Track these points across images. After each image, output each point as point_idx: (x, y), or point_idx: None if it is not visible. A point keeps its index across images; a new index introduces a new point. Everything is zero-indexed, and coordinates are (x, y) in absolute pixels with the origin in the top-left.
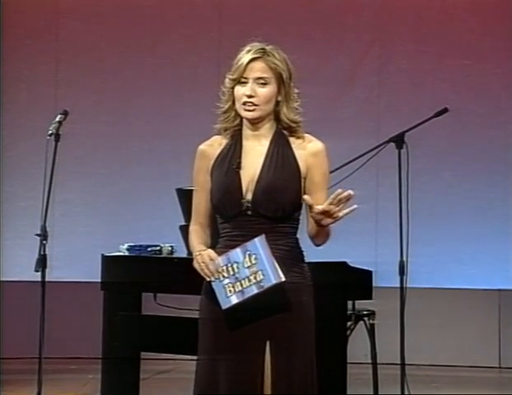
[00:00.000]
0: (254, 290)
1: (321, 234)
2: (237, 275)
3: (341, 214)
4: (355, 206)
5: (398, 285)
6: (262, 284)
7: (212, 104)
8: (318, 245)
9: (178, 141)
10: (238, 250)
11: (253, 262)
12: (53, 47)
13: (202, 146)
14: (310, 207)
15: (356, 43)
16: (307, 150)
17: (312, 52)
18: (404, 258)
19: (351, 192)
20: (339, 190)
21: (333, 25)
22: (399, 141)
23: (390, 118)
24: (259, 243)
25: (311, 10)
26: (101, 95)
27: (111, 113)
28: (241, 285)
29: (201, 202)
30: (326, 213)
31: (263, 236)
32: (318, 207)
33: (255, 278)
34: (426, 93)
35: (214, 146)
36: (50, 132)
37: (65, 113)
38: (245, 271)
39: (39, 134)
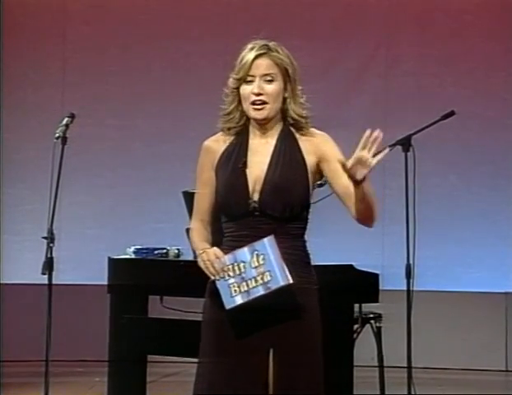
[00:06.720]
0: (261, 291)
1: (364, 204)
2: (243, 275)
3: (374, 161)
4: (386, 149)
5: (405, 288)
6: (269, 285)
7: (219, 107)
8: (368, 224)
9: (184, 145)
10: (245, 249)
11: (261, 262)
12: (59, 50)
13: (207, 142)
14: (344, 167)
15: (362, 46)
16: (314, 142)
17: (318, 55)
18: (411, 261)
19: (379, 132)
20: (367, 131)
21: (339, 29)
22: (406, 144)
23: (397, 121)
24: (268, 244)
25: (317, 13)
26: (108, 98)
27: (118, 117)
28: (247, 285)
29: (204, 199)
30: (360, 162)
31: (272, 236)
32: (352, 159)
33: (262, 279)
34: (433, 96)
35: (219, 141)
36: (57, 135)
37: (72, 117)
38: (252, 272)
39: (45, 137)
